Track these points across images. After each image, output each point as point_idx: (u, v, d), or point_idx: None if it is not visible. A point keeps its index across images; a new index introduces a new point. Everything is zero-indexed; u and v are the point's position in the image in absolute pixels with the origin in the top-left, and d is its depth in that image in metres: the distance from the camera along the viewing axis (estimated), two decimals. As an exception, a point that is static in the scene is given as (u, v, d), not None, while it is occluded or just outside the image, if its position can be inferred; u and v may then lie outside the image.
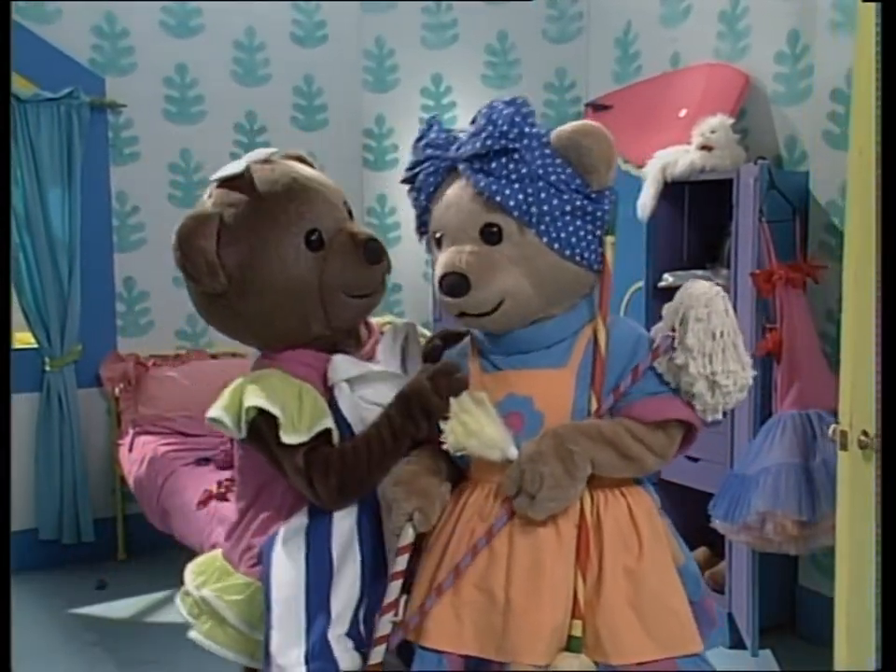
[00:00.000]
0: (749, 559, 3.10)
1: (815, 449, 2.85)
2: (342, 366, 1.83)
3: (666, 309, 1.75)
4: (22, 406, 3.98)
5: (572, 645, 1.65)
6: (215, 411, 1.78)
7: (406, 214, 5.12)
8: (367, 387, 1.85)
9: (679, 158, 3.30)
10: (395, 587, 1.75)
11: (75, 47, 4.03)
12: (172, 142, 4.33)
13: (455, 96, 4.65)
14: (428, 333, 2.12)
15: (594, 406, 1.72)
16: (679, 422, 1.74)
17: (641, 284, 3.49)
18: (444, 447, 1.72)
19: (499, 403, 1.72)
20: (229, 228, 1.79)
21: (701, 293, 1.71)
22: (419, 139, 1.84)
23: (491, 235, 1.71)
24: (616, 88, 4.19)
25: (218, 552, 2.02)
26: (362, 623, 1.79)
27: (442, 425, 1.71)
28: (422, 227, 1.87)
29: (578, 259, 1.71)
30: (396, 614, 1.76)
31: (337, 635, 1.75)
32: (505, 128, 1.70)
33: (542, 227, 1.69)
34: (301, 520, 1.81)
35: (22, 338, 4.13)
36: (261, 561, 1.82)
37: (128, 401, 4.11)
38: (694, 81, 3.68)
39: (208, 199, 1.86)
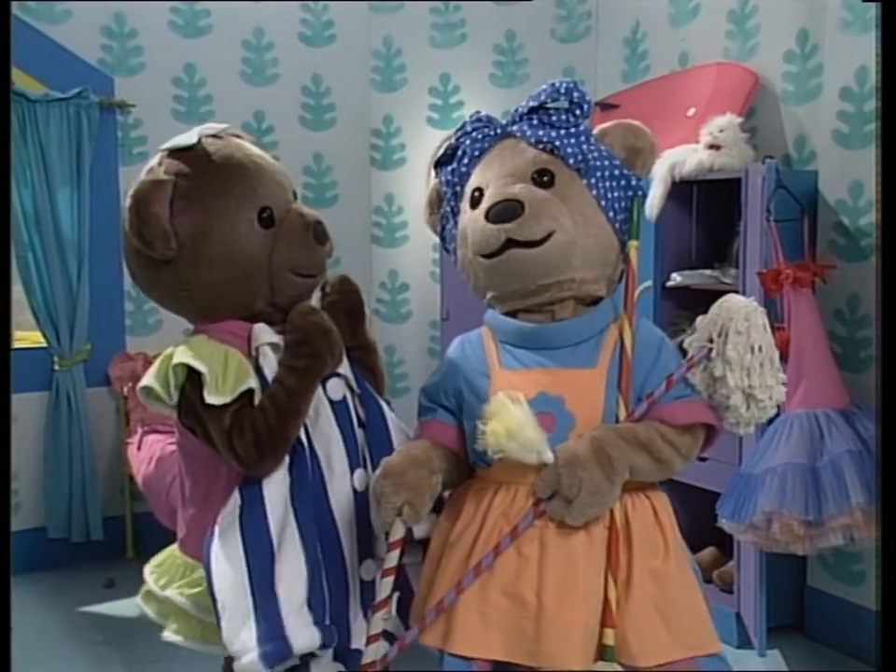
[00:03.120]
0: (756, 559, 3.09)
1: (822, 449, 2.84)
2: (264, 331, 1.87)
3: (702, 321, 1.77)
4: (31, 405, 3.99)
5: (606, 654, 1.64)
6: (145, 380, 1.82)
7: (413, 213, 5.16)
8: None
9: (687, 157, 3.30)
10: (387, 584, 1.74)
11: (84, 47, 4.04)
12: (180, 142, 4.34)
13: (464, 96, 4.65)
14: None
15: (621, 408, 1.72)
16: (703, 425, 1.77)
17: (649, 283, 3.47)
18: (479, 448, 1.70)
19: (530, 402, 1.71)
20: (182, 197, 1.82)
21: (741, 307, 1.74)
22: (462, 125, 1.93)
23: (543, 180, 1.79)
24: (624, 87, 4.19)
25: (175, 547, 2.03)
26: (326, 594, 1.78)
27: (481, 426, 1.69)
28: (444, 201, 1.92)
29: (617, 226, 1.81)
30: (388, 611, 1.75)
31: (290, 613, 1.73)
32: (565, 87, 1.82)
33: (593, 180, 1.79)
34: (234, 505, 1.80)
35: (31, 337, 4.14)
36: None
37: (136, 400, 4.09)
38: (703, 80, 3.68)
39: (158, 166, 1.89)
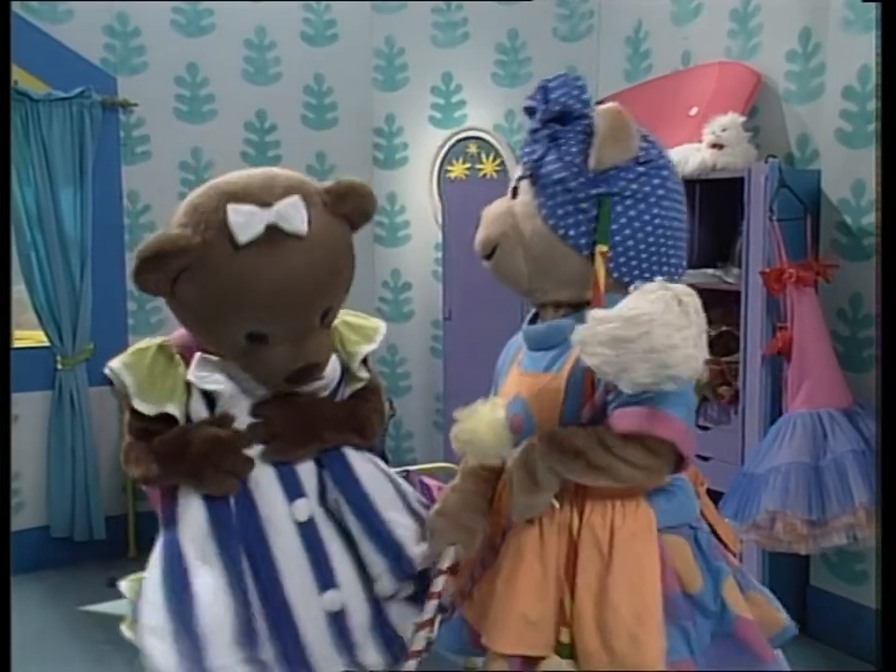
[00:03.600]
0: (759, 558, 3.09)
1: (825, 448, 2.84)
2: (202, 373, 1.84)
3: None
4: (34, 404, 3.99)
5: (563, 651, 1.70)
6: (114, 362, 1.86)
7: (416, 212, 5.17)
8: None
9: (689, 156, 3.30)
10: (431, 606, 1.82)
11: (87, 46, 4.05)
12: (183, 141, 4.34)
13: (466, 95, 4.66)
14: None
15: (584, 413, 1.71)
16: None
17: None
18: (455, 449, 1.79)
19: (509, 403, 1.78)
20: (191, 279, 1.73)
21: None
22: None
23: (515, 190, 1.83)
24: (627, 86, 4.18)
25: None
26: (263, 629, 1.76)
27: (453, 429, 1.78)
28: None
29: (561, 234, 1.74)
30: (431, 631, 1.82)
31: (215, 655, 1.71)
32: (534, 94, 1.83)
33: (538, 188, 1.77)
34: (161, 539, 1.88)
35: (34, 336, 4.14)
36: None
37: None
38: (705, 79, 3.67)
39: (201, 217, 1.73)
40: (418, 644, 1.81)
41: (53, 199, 3.91)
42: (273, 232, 1.69)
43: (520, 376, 1.83)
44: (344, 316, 2.01)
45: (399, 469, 2.94)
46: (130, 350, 1.90)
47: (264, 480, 1.86)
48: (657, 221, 1.76)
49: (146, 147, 4.25)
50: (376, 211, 1.90)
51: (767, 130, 3.52)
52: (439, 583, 1.81)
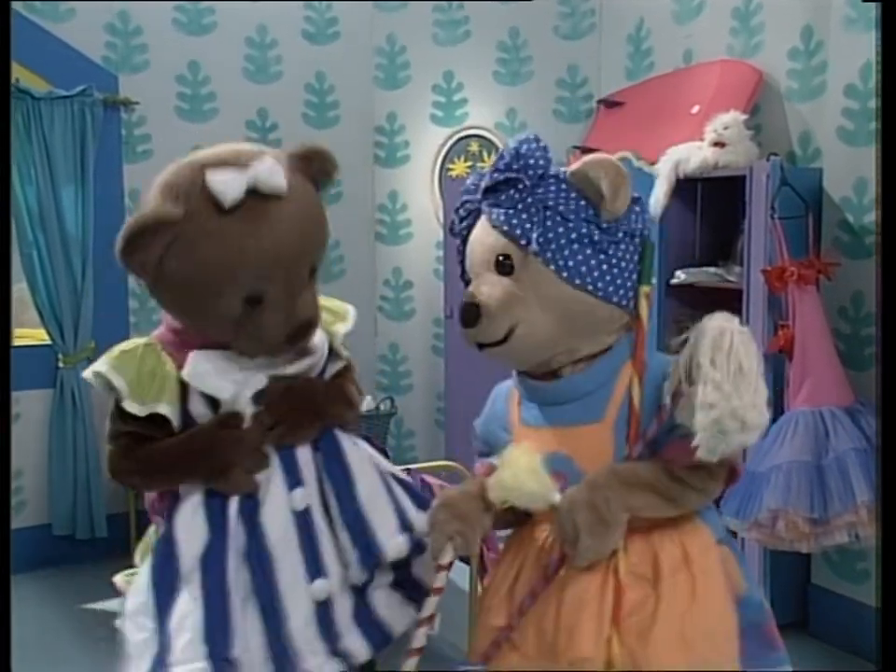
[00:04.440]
0: (761, 557, 3.09)
1: (827, 446, 2.84)
2: (197, 372, 1.85)
3: (674, 362, 1.70)
4: (36, 402, 3.99)
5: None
6: (97, 365, 1.88)
7: (417, 210, 5.16)
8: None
9: (691, 154, 3.30)
10: (432, 602, 1.80)
11: (88, 44, 4.04)
12: (184, 139, 4.32)
13: (467, 93, 4.65)
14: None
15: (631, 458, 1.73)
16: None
17: (654, 281, 3.47)
18: (491, 498, 1.76)
19: (543, 461, 1.72)
20: (177, 254, 1.73)
21: (709, 334, 1.66)
22: (464, 191, 1.86)
23: (504, 266, 1.73)
24: (628, 84, 4.19)
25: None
26: (234, 625, 1.78)
27: (490, 480, 1.76)
28: (463, 275, 1.88)
29: (591, 289, 1.70)
30: (431, 628, 1.81)
31: (179, 647, 1.75)
32: (508, 160, 1.72)
33: (548, 254, 1.69)
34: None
35: (36, 334, 4.14)
36: None
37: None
38: (707, 78, 3.67)
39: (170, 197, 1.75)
40: (418, 642, 1.79)
41: (54, 197, 3.91)
42: (254, 194, 1.72)
43: (536, 432, 1.79)
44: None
45: (400, 468, 2.95)
46: (113, 352, 1.89)
47: (269, 468, 1.88)
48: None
49: (147, 146, 4.25)
50: (338, 173, 1.95)
51: (769, 128, 3.52)
52: (440, 579, 1.80)
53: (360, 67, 4.68)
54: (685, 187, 3.37)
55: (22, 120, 3.81)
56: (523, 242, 1.70)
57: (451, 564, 1.81)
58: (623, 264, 1.73)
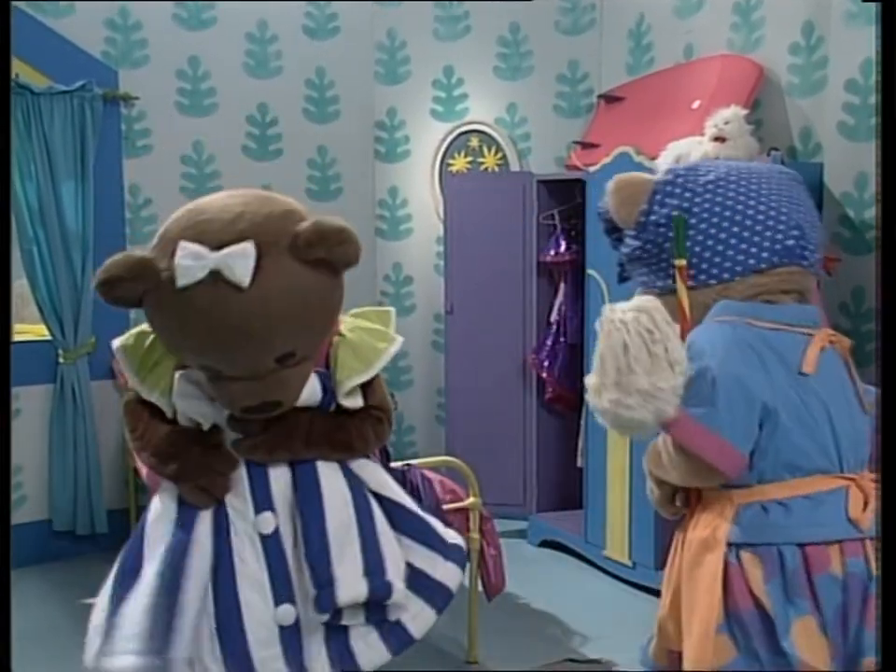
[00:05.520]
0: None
1: (827, 442, 2.83)
2: (180, 385, 1.87)
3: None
4: (36, 398, 4.00)
5: None
6: (121, 338, 1.94)
7: (417, 206, 5.15)
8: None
9: (692, 149, 3.29)
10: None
11: (88, 40, 4.04)
12: (184, 134, 4.34)
13: (467, 88, 4.65)
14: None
15: None
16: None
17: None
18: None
19: None
20: (149, 303, 1.73)
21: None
22: None
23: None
24: (629, 79, 4.18)
25: None
26: (187, 630, 1.79)
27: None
28: None
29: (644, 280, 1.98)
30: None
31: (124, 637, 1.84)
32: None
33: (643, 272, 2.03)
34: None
35: (36, 330, 4.14)
36: None
37: (141, 393, 4.12)
38: (708, 73, 3.67)
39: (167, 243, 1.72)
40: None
41: (54, 193, 3.90)
42: (219, 276, 1.65)
43: None
44: (361, 322, 2.04)
45: (400, 464, 2.95)
46: (133, 331, 1.94)
47: (238, 487, 1.87)
48: None
49: (147, 141, 4.25)
50: (359, 253, 1.76)
51: (770, 123, 3.51)
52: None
53: (361, 63, 4.68)
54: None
55: (22, 116, 3.81)
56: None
57: None
58: (652, 258, 1.95)
